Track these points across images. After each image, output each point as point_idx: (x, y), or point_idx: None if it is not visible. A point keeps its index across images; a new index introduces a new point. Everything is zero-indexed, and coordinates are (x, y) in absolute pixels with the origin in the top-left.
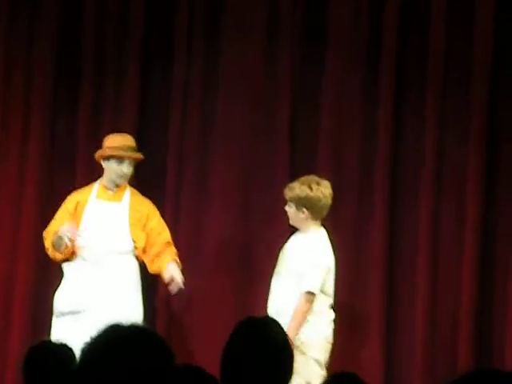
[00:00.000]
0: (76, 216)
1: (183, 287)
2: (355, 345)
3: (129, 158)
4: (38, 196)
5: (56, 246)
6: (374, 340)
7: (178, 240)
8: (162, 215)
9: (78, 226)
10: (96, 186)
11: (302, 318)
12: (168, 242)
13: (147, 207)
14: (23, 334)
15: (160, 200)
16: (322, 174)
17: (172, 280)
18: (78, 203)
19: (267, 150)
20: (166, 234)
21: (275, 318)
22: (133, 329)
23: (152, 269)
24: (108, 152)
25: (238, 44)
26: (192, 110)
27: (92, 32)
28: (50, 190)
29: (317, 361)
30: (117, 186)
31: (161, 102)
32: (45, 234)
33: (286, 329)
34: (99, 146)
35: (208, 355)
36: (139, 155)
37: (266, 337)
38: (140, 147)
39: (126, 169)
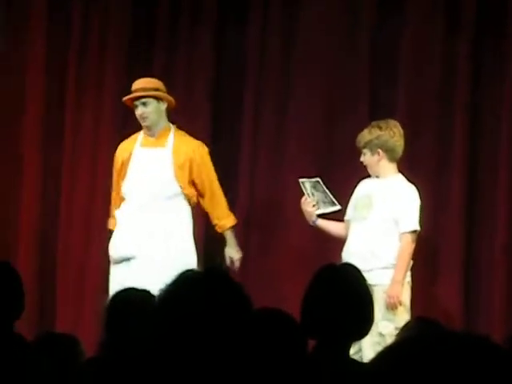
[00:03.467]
0: (123, 161)
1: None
2: (434, 286)
3: (130, 99)
4: (112, 138)
5: None
6: (454, 281)
7: (255, 183)
8: (239, 157)
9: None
10: (140, 135)
11: (409, 258)
12: (216, 199)
13: (191, 150)
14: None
15: (237, 144)
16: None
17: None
18: (122, 162)
19: (348, 96)
20: (215, 186)
21: (361, 261)
22: (208, 274)
23: (210, 217)
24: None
25: None
26: (270, 59)
27: None
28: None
29: (405, 306)
30: (147, 128)
31: (237, 40)
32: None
33: (376, 273)
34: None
35: (289, 301)
36: (141, 93)
37: (347, 283)
38: (217, 93)
39: (139, 110)
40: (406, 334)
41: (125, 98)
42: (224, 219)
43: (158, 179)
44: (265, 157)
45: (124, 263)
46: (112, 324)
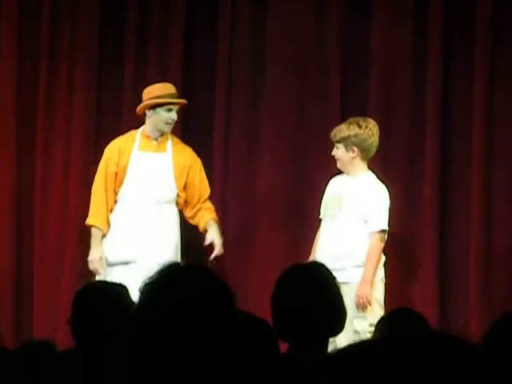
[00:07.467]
0: (121, 164)
1: (222, 253)
2: (409, 283)
3: (179, 104)
4: (85, 142)
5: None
6: (428, 277)
7: (227, 187)
8: (211, 158)
9: (123, 178)
10: (138, 137)
11: (378, 257)
12: (206, 197)
13: (189, 157)
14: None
15: (208, 150)
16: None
17: (211, 244)
18: (122, 166)
19: (318, 100)
20: (205, 187)
21: (334, 260)
22: (191, 268)
23: (193, 222)
24: (158, 101)
25: None
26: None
27: None
28: (96, 138)
29: (378, 302)
30: (162, 134)
31: (207, 36)
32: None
33: (349, 271)
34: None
35: (260, 302)
36: (184, 101)
37: (315, 281)
38: (187, 86)
39: (175, 115)
40: (380, 330)
41: (178, 101)
42: (208, 215)
43: (160, 184)
44: (238, 142)
45: (120, 267)
46: (79, 315)
